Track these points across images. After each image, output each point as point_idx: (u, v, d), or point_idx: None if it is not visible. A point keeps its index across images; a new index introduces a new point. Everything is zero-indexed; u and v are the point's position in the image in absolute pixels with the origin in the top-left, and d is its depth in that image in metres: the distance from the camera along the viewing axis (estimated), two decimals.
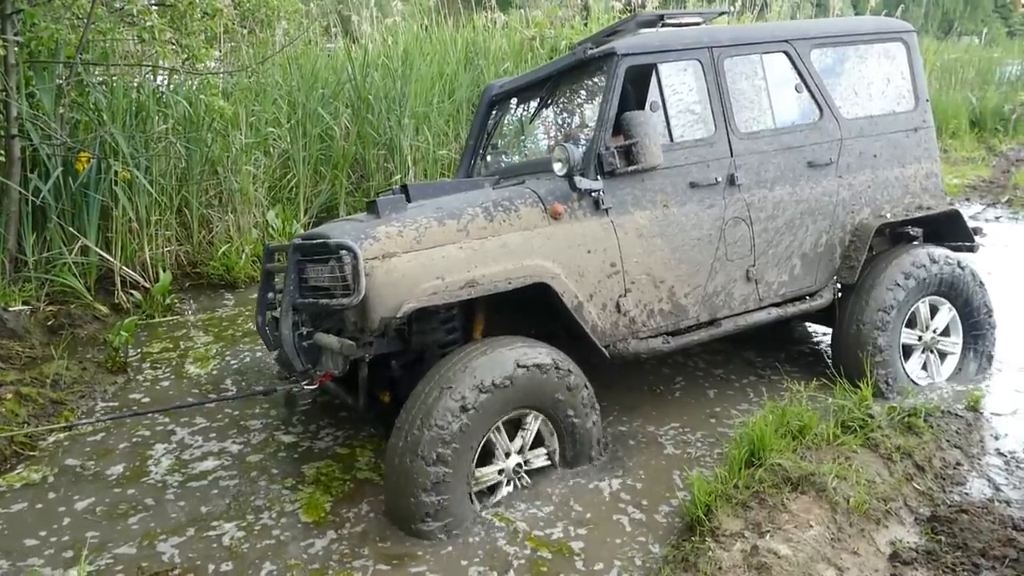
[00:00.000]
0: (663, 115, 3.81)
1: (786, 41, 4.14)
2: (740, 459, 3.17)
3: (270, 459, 3.63)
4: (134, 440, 3.79)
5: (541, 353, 3.20)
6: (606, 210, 3.56)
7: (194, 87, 6.09)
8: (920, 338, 4.26)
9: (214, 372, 4.53)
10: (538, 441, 3.32)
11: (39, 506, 3.23)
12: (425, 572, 2.75)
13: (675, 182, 3.74)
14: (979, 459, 3.40)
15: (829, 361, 4.47)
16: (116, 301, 5.46)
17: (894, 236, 4.48)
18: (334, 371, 3.31)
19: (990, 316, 4.38)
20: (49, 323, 5.04)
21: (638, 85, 3.97)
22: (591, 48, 3.88)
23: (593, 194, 3.53)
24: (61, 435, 3.79)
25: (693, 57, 3.88)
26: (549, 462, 3.34)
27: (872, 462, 3.17)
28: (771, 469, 3.07)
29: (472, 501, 3.07)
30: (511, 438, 3.25)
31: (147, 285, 5.67)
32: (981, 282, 4.36)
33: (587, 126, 4.14)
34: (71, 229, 5.48)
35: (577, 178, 3.44)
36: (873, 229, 4.15)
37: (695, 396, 4.23)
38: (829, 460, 3.13)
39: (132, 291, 5.52)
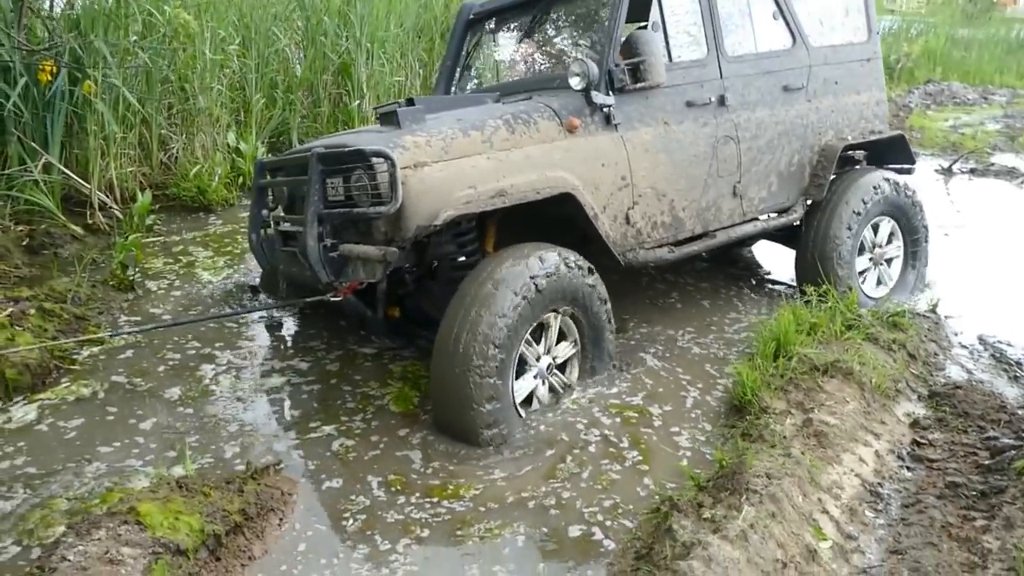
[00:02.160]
0: (663, 35, 3.96)
1: None
2: (769, 352, 3.59)
3: (349, 367, 3.70)
4: (170, 362, 3.70)
5: (570, 254, 3.33)
6: (615, 125, 3.69)
7: None
8: (871, 259, 4.76)
9: (229, 284, 4.50)
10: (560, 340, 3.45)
11: (108, 418, 3.19)
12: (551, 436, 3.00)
13: (674, 101, 3.92)
14: (949, 350, 3.99)
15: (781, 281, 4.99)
16: (89, 221, 5.22)
17: (842, 158, 4.77)
18: (369, 280, 3.22)
19: (927, 235, 4.93)
20: (24, 243, 4.80)
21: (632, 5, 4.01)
22: None
23: (605, 109, 3.65)
24: (95, 349, 3.71)
25: None
26: (575, 355, 3.49)
27: (876, 352, 3.66)
28: (799, 359, 3.50)
29: (517, 410, 3.17)
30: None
31: (112, 206, 5.45)
32: (921, 206, 4.90)
33: (588, 44, 4.28)
34: (32, 144, 5.16)
35: (594, 93, 3.58)
36: (839, 150, 4.53)
37: (694, 306, 4.62)
38: (842, 351, 3.60)
39: (102, 211, 5.29)
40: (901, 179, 4.75)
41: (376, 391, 3.48)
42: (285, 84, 7.29)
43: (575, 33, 4.42)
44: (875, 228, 4.71)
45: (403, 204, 3.01)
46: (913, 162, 5.05)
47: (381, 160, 3.02)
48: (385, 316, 3.76)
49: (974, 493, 2.62)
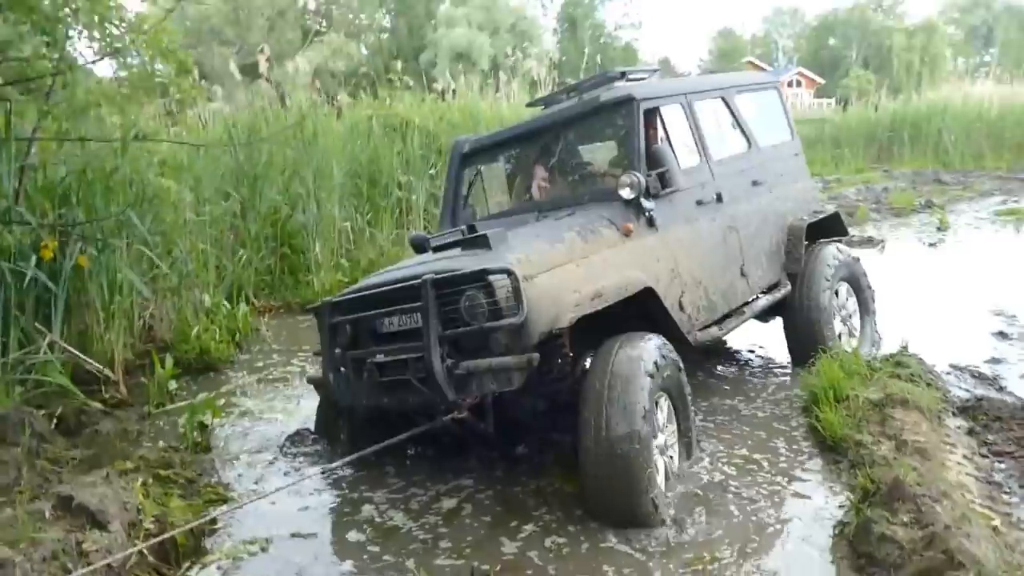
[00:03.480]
0: (670, 148, 4.72)
1: (722, 88, 5.32)
2: (830, 398, 4.20)
3: (506, 473, 3.94)
4: (318, 512, 3.71)
5: (667, 344, 3.74)
6: (656, 227, 4.26)
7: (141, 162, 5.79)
8: (838, 316, 5.62)
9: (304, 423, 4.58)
10: None
11: (304, 564, 3.19)
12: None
13: (688, 202, 4.56)
14: (941, 377, 4.80)
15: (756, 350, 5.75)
16: (106, 396, 5.05)
17: None
18: (503, 389, 3.40)
19: (873, 298, 5.89)
20: (55, 425, 4.56)
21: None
22: (595, 96, 4.66)
23: (647, 214, 4.22)
24: (223, 508, 3.61)
25: (678, 101, 4.82)
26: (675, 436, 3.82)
27: (904, 385, 4.38)
28: (857, 399, 4.14)
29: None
30: None
31: (115, 377, 5.29)
32: (864, 270, 5.87)
33: (608, 161, 4.87)
34: (36, 324, 4.98)
35: (643, 200, 4.16)
36: (805, 228, 5.36)
37: (722, 380, 5.19)
38: (883, 388, 4.29)
39: (108, 383, 5.14)
40: (848, 249, 5.71)
41: (547, 483, 3.73)
42: (238, 240, 7.42)
43: (594, 152, 5.04)
44: (836, 292, 5.57)
45: (527, 314, 3.33)
46: (846, 233, 6.07)
47: (502, 276, 3.35)
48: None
49: None
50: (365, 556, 3.19)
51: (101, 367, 5.20)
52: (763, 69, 59.15)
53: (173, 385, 5.10)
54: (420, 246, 5.02)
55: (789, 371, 5.26)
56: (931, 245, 9.45)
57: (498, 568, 2.97)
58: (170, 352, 5.63)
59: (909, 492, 3.04)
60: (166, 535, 2.99)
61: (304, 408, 4.90)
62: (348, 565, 3.13)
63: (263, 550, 3.29)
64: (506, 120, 10.76)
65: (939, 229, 10.43)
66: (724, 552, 3.04)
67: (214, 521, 3.49)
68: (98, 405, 4.89)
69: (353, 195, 8.83)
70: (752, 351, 5.88)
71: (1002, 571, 2.40)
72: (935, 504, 2.91)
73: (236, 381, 5.41)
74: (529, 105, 5.98)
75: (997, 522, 2.94)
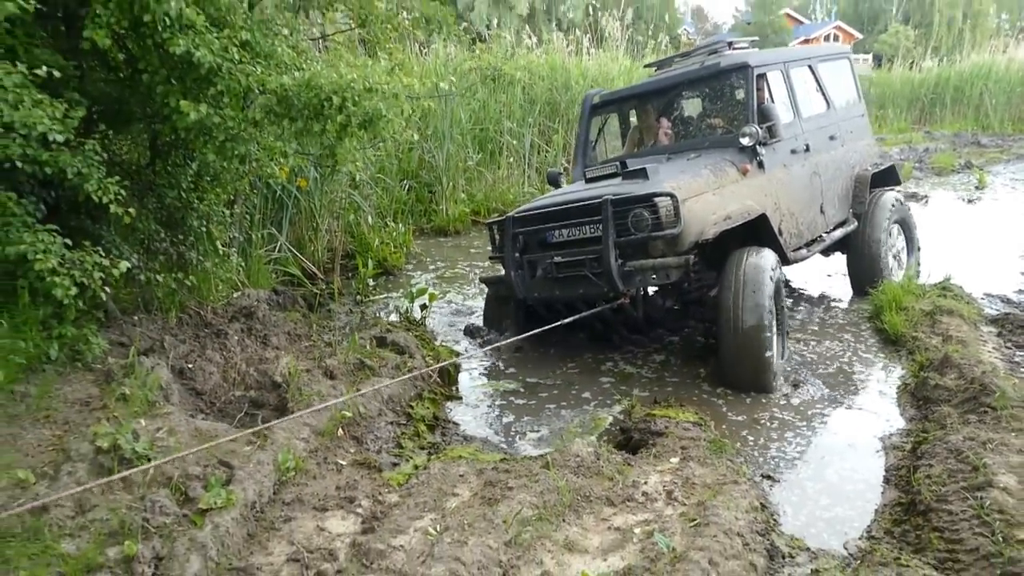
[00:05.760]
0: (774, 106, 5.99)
1: (809, 58, 6.57)
2: (894, 309, 5.59)
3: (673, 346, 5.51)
4: (546, 367, 5.19)
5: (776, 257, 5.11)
6: (764, 169, 5.56)
7: None
8: (892, 252, 6.93)
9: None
10: None
11: (552, 393, 4.70)
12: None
13: (785, 150, 5.80)
14: (977, 300, 6.16)
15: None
16: (322, 287, 6.53)
17: None
18: (663, 282, 4.74)
19: (917, 235, 7.19)
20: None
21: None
22: (716, 62, 5.88)
23: (759, 158, 5.51)
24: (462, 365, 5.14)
25: (779, 68, 6.07)
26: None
27: (949, 301, 5.74)
28: (912, 309, 5.52)
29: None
30: None
31: (320, 275, 6.77)
32: (913, 215, 7.13)
33: (727, 115, 5.99)
34: (272, 230, 6.46)
35: (759, 147, 5.49)
36: (870, 176, 6.69)
37: (802, 297, 6.59)
38: (931, 303, 5.66)
39: (312, 278, 6.62)
40: (902, 196, 7.01)
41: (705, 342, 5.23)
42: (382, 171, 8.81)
43: (713, 108, 6.27)
44: (889, 232, 6.87)
45: (683, 228, 4.69)
46: (900, 183, 7.35)
47: (666, 198, 4.67)
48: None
49: None
50: (596, 388, 4.74)
51: (313, 266, 6.66)
52: (800, 22, 59.45)
53: (371, 283, 6.55)
54: (555, 180, 6.50)
55: (850, 295, 6.63)
56: (969, 201, 10.67)
57: (672, 399, 4.43)
58: (355, 259, 7.13)
59: (955, 361, 4.45)
60: (451, 361, 4.47)
61: (480, 301, 6.37)
62: (588, 394, 4.65)
63: (516, 390, 4.80)
64: (591, 75, 11.97)
65: (977, 188, 11.62)
66: (826, 402, 4.48)
67: (457, 367, 4.99)
68: (317, 292, 6.38)
69: (470, 138, 10.17)
70: (826, 277, 7.24)
71: (1019, 397, 3.80)
72: (974, 367, 4.32)
73: (418, 279, 6.88)
74: (646, 67, 7.24)
75: (1015, 381, 4.34)
